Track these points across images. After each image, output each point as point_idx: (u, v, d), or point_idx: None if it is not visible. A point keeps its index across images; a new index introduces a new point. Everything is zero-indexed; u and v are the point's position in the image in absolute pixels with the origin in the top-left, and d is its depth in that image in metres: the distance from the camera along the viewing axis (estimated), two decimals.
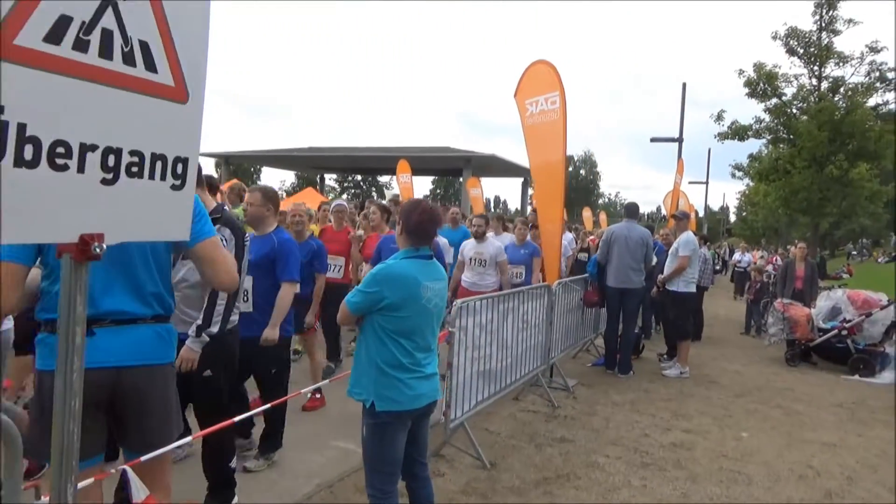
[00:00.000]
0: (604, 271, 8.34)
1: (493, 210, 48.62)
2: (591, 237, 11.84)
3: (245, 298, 4.25)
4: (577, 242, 11.65)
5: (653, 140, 21.63)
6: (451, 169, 41.39)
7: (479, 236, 7.50)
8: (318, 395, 5.93)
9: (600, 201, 73.74)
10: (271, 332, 4.37)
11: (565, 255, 9.76)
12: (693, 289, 8.63)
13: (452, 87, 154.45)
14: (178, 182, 1.73)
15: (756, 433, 6.10)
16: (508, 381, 5.82)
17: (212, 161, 41.64)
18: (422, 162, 34.79)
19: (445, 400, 4.58)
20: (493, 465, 4.79)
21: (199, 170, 6.29)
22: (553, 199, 7.40)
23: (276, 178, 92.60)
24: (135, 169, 1.61)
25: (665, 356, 9.24)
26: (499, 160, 30.75)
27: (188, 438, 3.47)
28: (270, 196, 4.51)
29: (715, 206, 71.08)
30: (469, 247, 7.58)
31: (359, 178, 61.41)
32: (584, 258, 10.43)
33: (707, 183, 34.53)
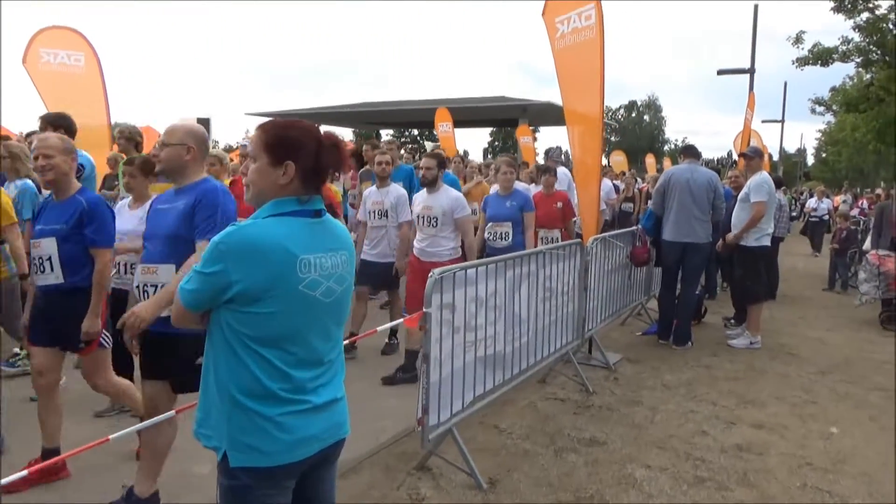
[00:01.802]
0: (660, 223, 6.96)
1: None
2: (642, 184, 10.35)
3: None
4: (620, 191, 10.15)
5: (720, 73, 19.39)
6: (508, 119, 39.69)
7: (430, 184, 5.46)
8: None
9: (665, 148, 69.94)
10: None
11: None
12: (767, 242, 7.06)
13: (509, 36, 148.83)
14: None
15: (849, 427, 4.74)
16: (524, 366, 4.65)
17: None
18: (476, 113, 33.55)
19: (421, 403, 3.46)
20: (492, 484, 3.66)
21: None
22: (589, 140, 6.09)
23: None
24: None
25: (732, 321, 7.85)
26: (556, 107, 28.63)
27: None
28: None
29: (791, 149, 66.51)
30: (418, 200, 5.59)
31: (415, 132, 60.06)
32: (628, 209, 8.98)
33: (783, 121, 31.48)
